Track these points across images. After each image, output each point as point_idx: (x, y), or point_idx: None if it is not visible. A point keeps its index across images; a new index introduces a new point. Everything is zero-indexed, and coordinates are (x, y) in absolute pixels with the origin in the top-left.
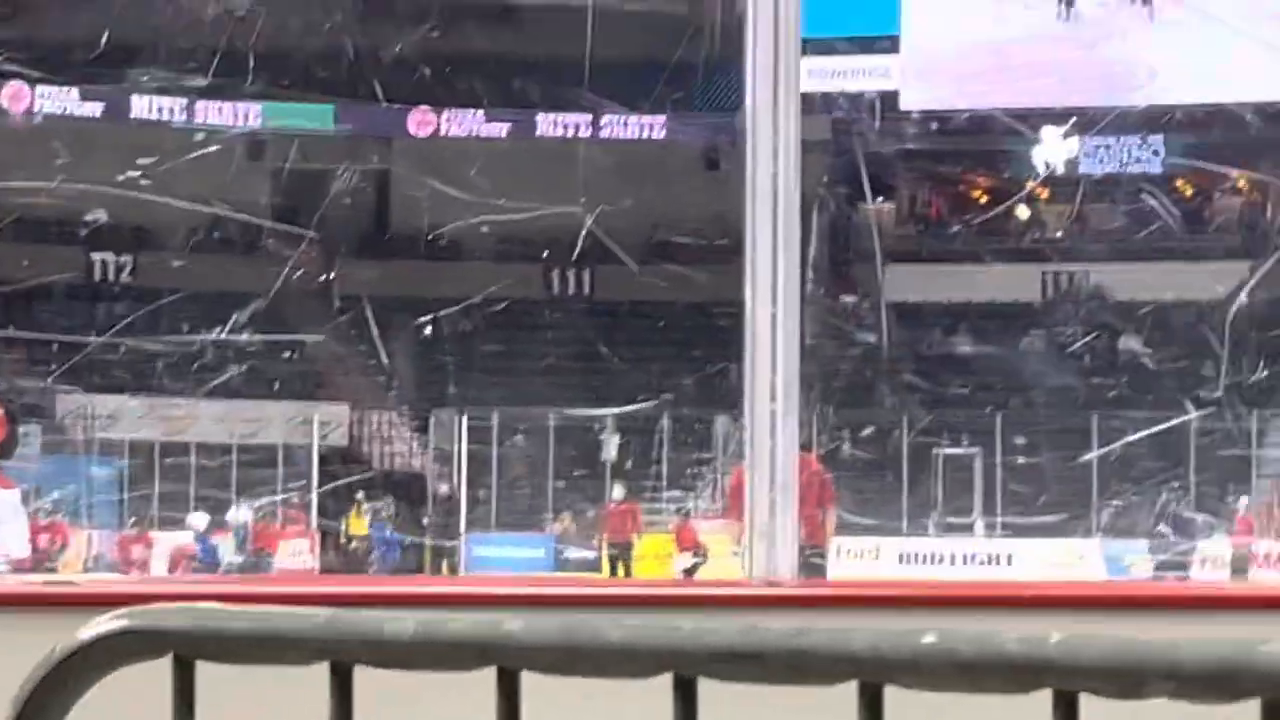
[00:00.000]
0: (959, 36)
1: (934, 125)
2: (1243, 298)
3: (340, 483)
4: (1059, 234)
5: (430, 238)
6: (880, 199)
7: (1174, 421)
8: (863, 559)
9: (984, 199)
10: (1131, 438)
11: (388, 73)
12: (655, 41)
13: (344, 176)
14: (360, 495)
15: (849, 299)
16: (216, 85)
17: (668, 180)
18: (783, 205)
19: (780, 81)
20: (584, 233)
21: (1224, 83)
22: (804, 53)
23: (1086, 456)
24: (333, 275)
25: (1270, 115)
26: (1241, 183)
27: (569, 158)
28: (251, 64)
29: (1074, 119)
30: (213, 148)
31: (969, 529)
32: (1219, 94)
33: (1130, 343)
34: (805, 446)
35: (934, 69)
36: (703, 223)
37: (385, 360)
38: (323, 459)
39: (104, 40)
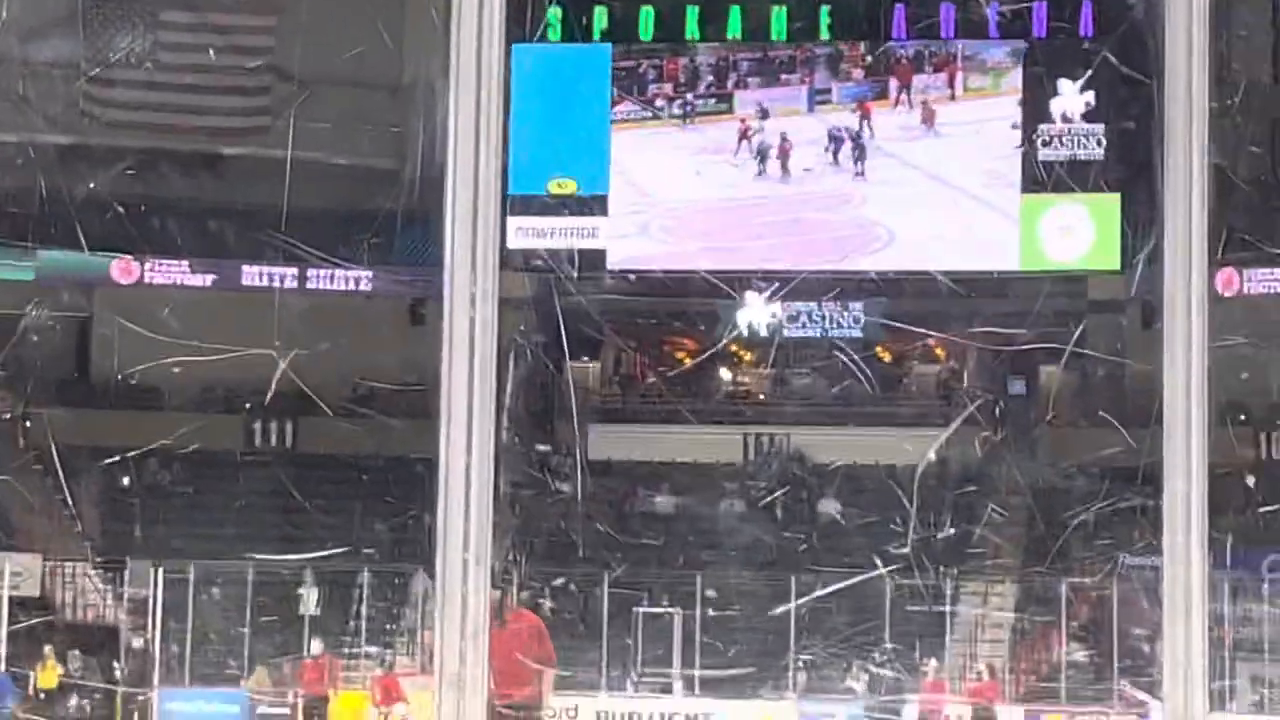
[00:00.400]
0: (666, 197)
1: (640, 285)
2: (931, 455)
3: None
4: (761, 396)
5: (126, 382)
6: (585, 357)
7: (863, 577)
8: (562, 718)
9: (687, 359)
10: (821, 592)
11: (92, 220)
12: (359, 192)
13: (34, 315)
14: (49, 648)
15: (544, 448)
16: None
17: (372, 332)
18: (479, 356)
19: (479, 236)
20: (278, 376)
21: (924, 250)
22: (511, 210)
23: (781, 608)
24: (23, 417)
25: (967, 282)
26: (939, 349)
27: (270, 305)
28: None
29: (777, 283)
30: None
31: (668, 687)
32: (919, 262)
33: (828, 504)
34: (525, 604)
35: (641, 229)
36: (405, 374)
37: (76, 507)
38: (12, 609)
39: None
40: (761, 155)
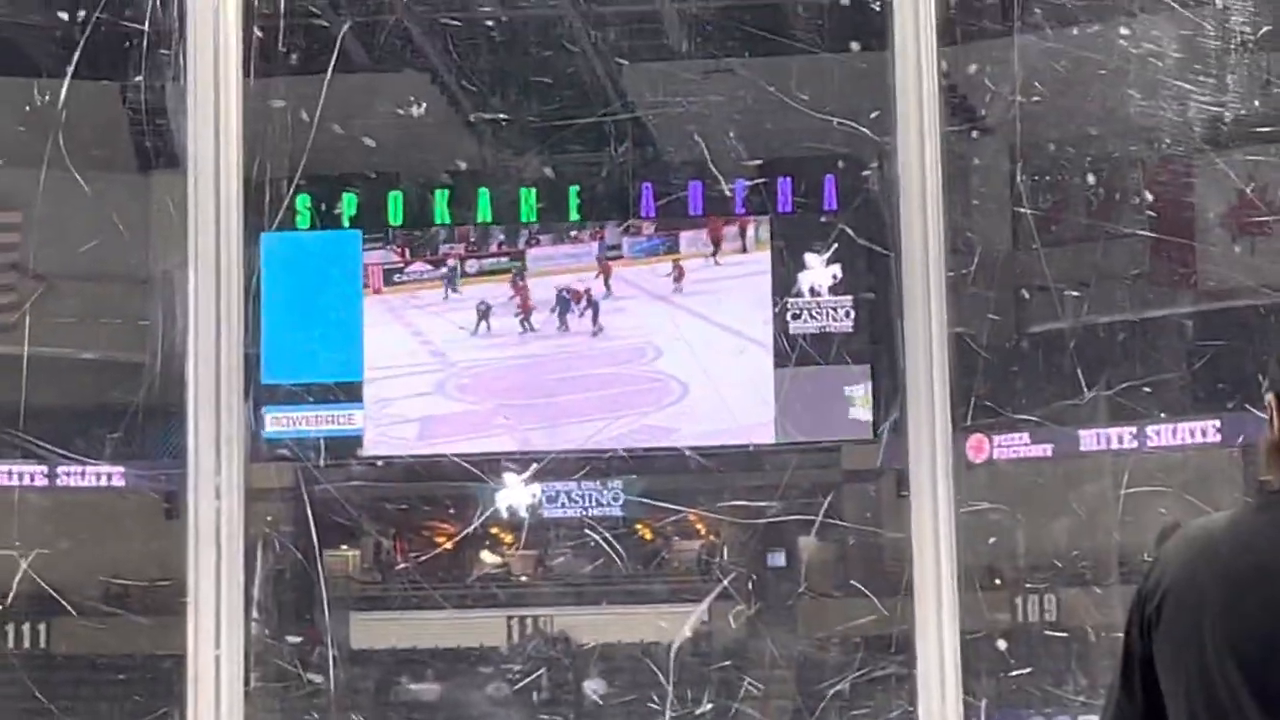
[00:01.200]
0: (419, 381)
1: (396, 470)
2: (686, 632)
3: None
4: (522, 578)
5: None
6: (343, 545)
7: None
8: None
9: (447, 544)
10: None
11: None
12: (105, 386)
13: None
14: None
15: (297, 639)
16: None
17: (124, 529)
18: (226, 548)
19: (222, 426)
20: (19, 577)
21: (677, 427)
22: (264, 400)
23: None
24: None
25: (719, 457)
26: (699, 524)
27: (13, 504)
28: None
29: (534, 463)
30: None
31: None
32: (675, 438)
33: (592, 684)
34: None
35: (397, 414)
36: (158, 571)
37: None
38: None
39: None
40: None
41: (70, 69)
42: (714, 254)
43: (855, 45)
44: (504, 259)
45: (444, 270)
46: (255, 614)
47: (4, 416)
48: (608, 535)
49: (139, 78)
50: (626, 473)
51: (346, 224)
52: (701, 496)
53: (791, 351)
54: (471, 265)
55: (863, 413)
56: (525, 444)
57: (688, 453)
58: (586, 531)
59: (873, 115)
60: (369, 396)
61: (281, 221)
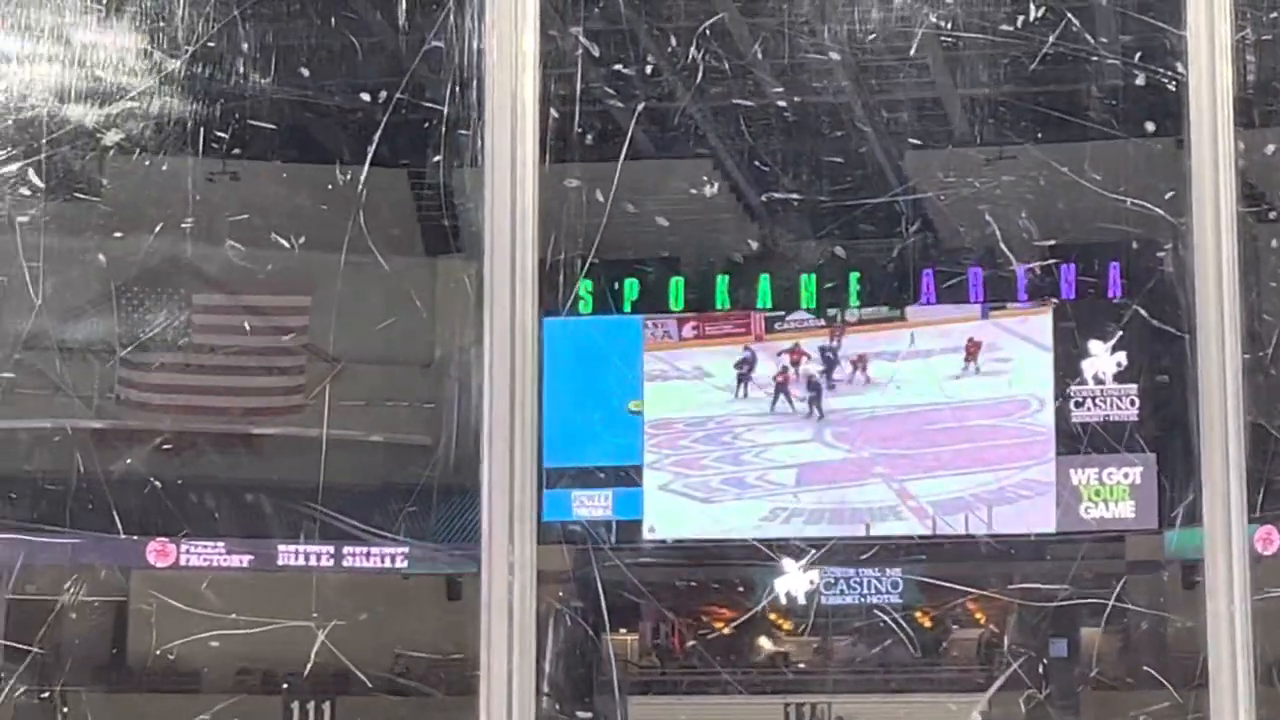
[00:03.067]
0: (702, 467)
1: (676, 553)
2: (976, 717)
3: None
4: (801, 664)
5: (164, 661)
6: (623, 629)
7: None
8: None
9: (726, 629)
10: None
11: (126, 501)
12: (394, 468)
13: (70, 594)
14: None
15: (585, 716)
16: None
17: (408, 607)
18: (519, 624)
19: (516, 505)
20: (316, 648)
21: (956, 517)
22: (546, 483)
23: None
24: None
25: (1006, 542)
26: (980, 614)
27: (307, 583)
28: None
29: (814, 550)
30: None
31: None
32: (956, 524)
33: None
34: None
35: (677, 499)
36: (444, 648)
37: None
38: None
39: None
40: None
41: (370, 151)
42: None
43: (1150, 126)
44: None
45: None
46: (545, 689)
47: (301, 494)
48: (888, 621)
49: (437, 159)
50: (913, 560)
51: (628, 308)
52: (984, 582)
53: (1082, 438)
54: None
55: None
56: (805, 530)
57: (982, 545)
58: (866, 617)
59: (1167, 196)
60: (649, 479)
61: (566, 306)
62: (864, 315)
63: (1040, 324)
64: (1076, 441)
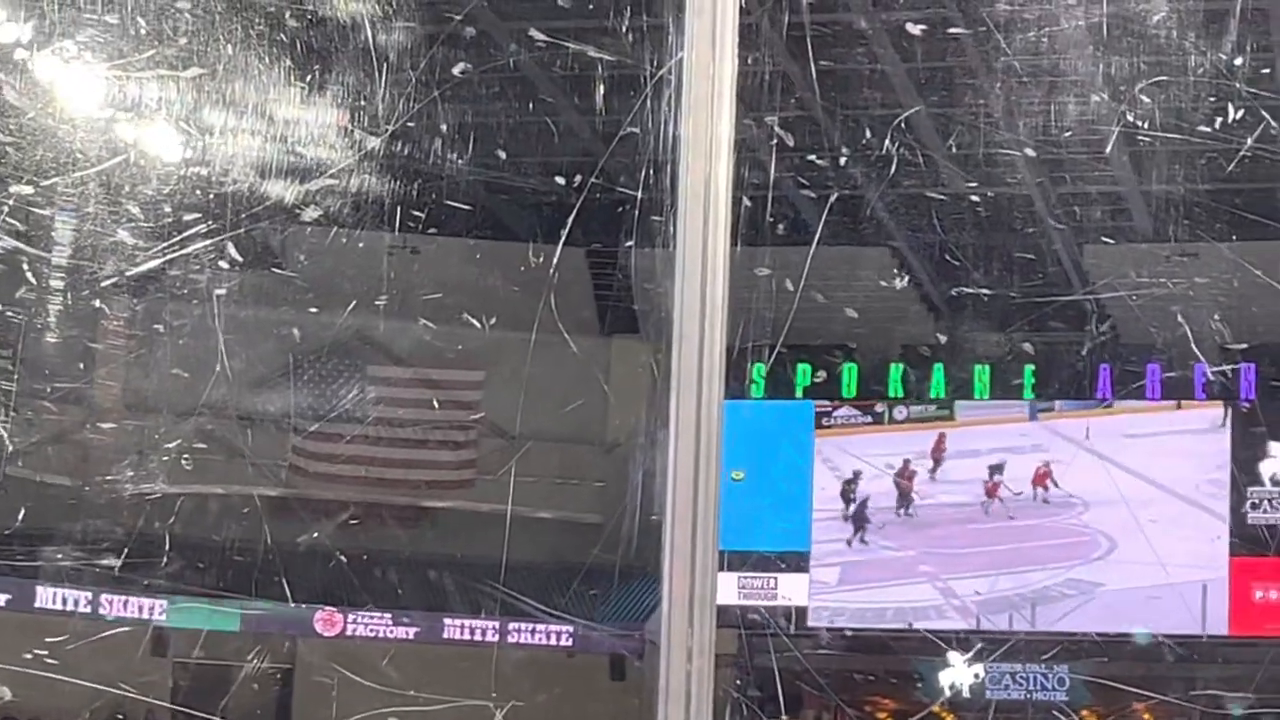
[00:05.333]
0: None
1: (843, 641)
2: None
3: None
4: None
5: None
6: (784, 716)
7: None
8: None
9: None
10: None
11: (297, 570)
12: (569, 545)
13: (250, 665)
14: None
15: None
16: (125, 577)
17: (573, 687)
18: (695, 710)
19: (695, 593)
20: None
21: (1125, 614)
22: (721, 566)
23: None
24: None
25: (1178, 644)
26: (1147, 715)
27: (479, 655)
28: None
29: (980, 644)
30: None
31: None
32: (1123, 622)
33: None
34: None
35: (839, 585)
36: None
37: None
38: None
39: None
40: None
41: (564, 234)
42: None
43: None
44: (931, 407)
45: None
46: None
47: (472, 573)
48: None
49: (629, 244)
50: (1081, 657)
51: (800, 394)
52: (1154, 684)
53: (1268, 542)
54: (900, 412)
55: None
56: (974, 623)
57: (1159, 647)
58: (1032, 715)
59: None
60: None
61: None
62: (912, 413)
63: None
64: (1254, 543)
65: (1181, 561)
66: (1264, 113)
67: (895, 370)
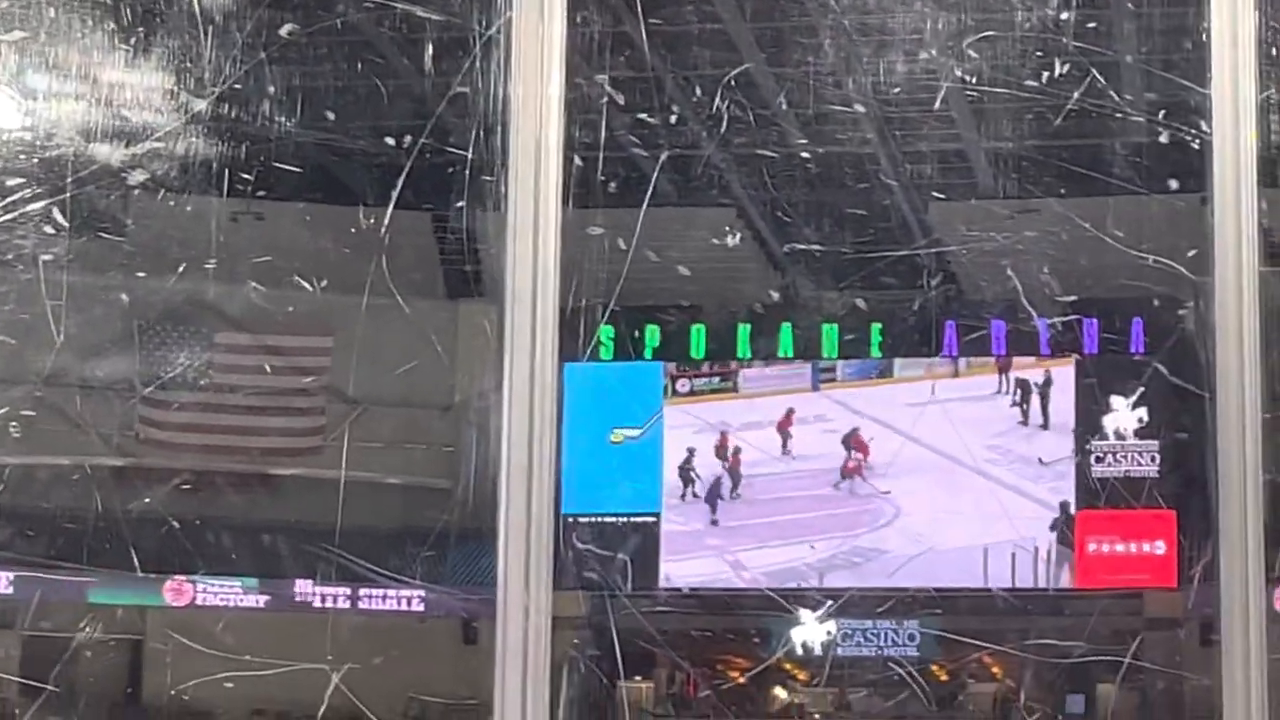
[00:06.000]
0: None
1: (689, 600)
2: None
3: None
4: (816, 716)
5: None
6: (637, 676)
7: None
8: None
9: (741, 679)
10: None
11: (144, 540)
12: (411, 510)
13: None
14: None
15: None
16: None
17: (424, 651)
18: (532, 670)
19: (532, 550)
20: (330, 691)
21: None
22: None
23: None
24: None
25: (1023, 598)
26: (996, 668)
27: (323, 625)
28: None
29: (830, 600)
30: None
31: None
32: (970, 579)
33: None
34: None
35: (693, 545)
36: (459, 693)
37: None
38: None
39: None
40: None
41: (394, 195)
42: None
43: (1173, 184)
44: (715, 379)
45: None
46: None
47: (319, 535)
48: (903, 674)
49: (460, 205)
50: (929, 613)
51: (649, 355)
52: (998, 637)
53: (1100, 493)
54: (683, 385)
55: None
56: (823, 580)
57: (994, 591)
58: (882, 671)
59: (1190, 254)
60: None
61: (587, 353)
62: (696, 385)
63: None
64: (1095, 497)
65: (963, 526)
66: (1090, 67)
67: (743, 330)
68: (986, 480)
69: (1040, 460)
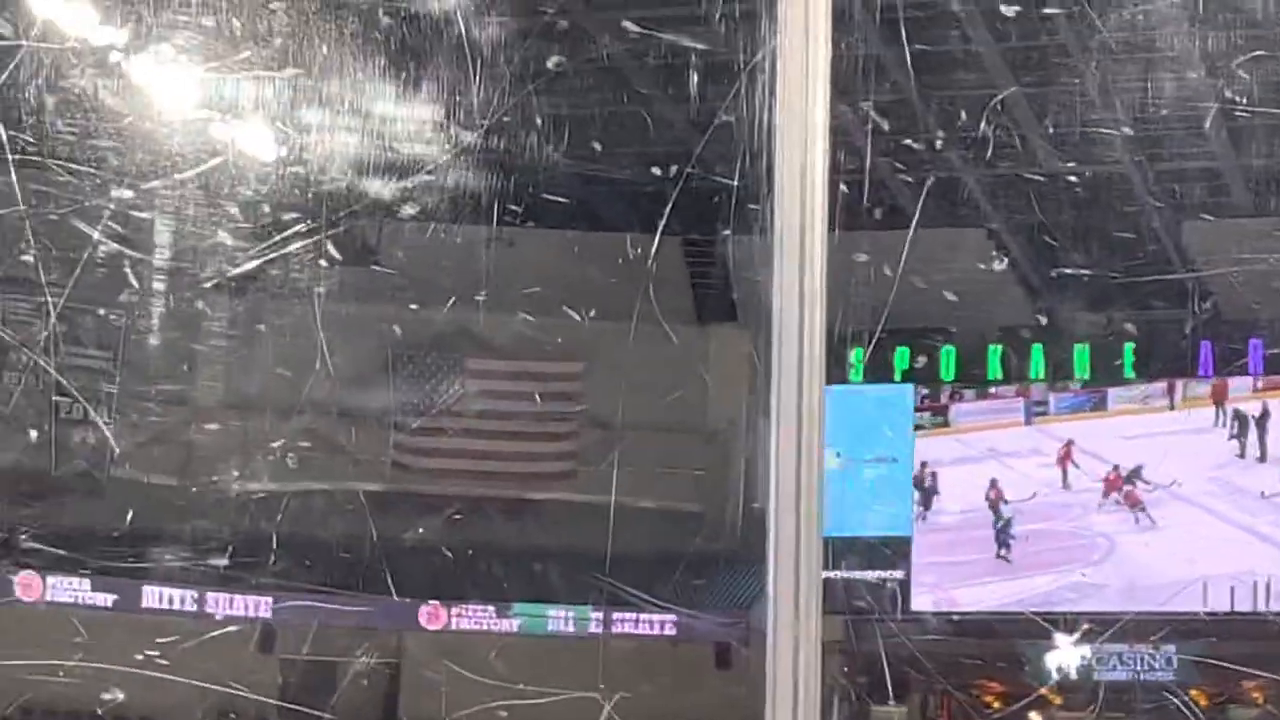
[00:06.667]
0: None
1: (948, 626)
2: None
3: None
4: None
5: None
6: (890, 702)
7: None
8: None
9: (996, 704)
10: None
11: (402, 564)
12: (672, 534)
13: (360, 661)
14: None
15: None
16: (232, 575)
17: (680, 675)
18: (803, 700)
19: (801, 582)
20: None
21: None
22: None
23: None
24: None
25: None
26: (1257, 694)
27: (584, 648)
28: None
29: (1087, 624)
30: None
31: None
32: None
33: None
34: None
35: (947, 571)
36: (722, 717)
37: None
38: None
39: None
40: None
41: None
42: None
43: None
44: (925, 414)
45: None
46: None
47: (578, 564)
48: (1166, 700)
49: (726, 232)
50: (1189, 636)
51: (899, 378)
52: (1263, 663)
53: None
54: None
55: None
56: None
57: (1269, 620)
58: (1140, 696)
59: None
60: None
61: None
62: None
63: None
64: None
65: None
66: None
67: (994, 352)
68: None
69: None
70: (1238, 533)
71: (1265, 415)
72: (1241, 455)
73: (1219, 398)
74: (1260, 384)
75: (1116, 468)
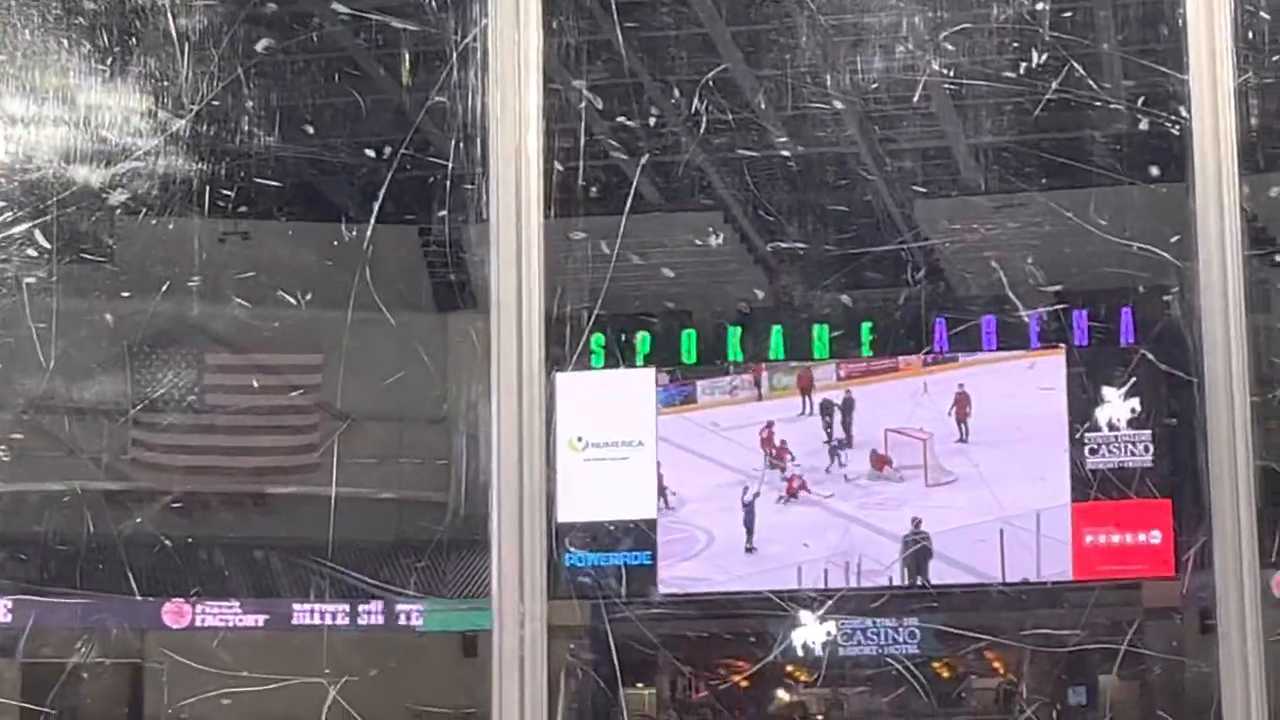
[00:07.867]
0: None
1: (690, 606)
2: None
3: None
4: (820, 717)
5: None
6: (639, 683)
7: None
8: None
9: (744, 682)
10: None
11: (141, 562)
12: (407, 524)
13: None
14: None
15: None
16: None
17: (424, 664)
18: (530, 678)
19: (525, 559)
20: (328, 704)
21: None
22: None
23: None
24: None
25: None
26: (997, 663)
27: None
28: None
29: (830, 600)
30: None
31: None
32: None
33: None
34: None
35: (692, 551)
36: (459, 703)
37: None
38: None
39: None
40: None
41: (376, 207)
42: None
43: (1155, 171)
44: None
45: None
46: None
47: (313, 551)
48: (904, 670)
49: (443, 214)
50: (930, 610)
51: (641, 362)
52: (1001, 631)
53: (1092, 483)
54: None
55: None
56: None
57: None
58: (884, 669)
59: (1173, 240)
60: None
61: (578, 359)
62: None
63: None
64: (1088, 487)
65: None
66: (1068, 57)
67: (733, 333)
68: None
69: None
70: (831, 517)
71: (850, 403)
72: (829, 441)
73: (805, 386)
74: (843, 372)
75: None
